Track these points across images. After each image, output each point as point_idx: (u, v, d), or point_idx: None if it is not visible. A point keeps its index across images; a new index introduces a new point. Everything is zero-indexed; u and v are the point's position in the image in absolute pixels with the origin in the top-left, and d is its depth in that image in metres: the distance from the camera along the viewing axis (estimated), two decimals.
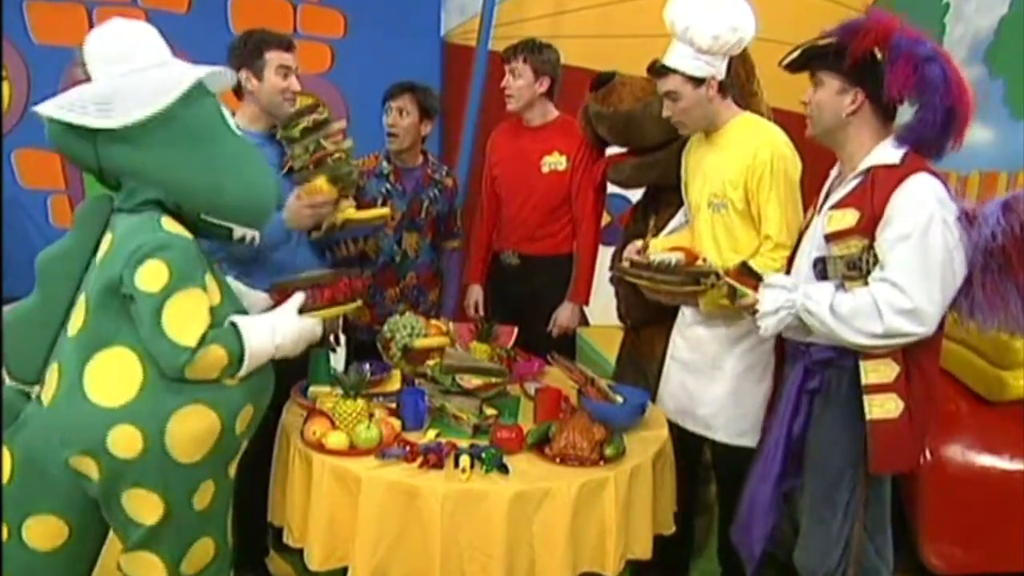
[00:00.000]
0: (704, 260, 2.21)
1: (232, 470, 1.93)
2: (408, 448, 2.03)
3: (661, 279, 2.20)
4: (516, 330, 2.73)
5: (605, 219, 3.15)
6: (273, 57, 2.41)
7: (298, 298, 1.98)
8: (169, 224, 1.79)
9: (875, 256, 1.89)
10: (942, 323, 1.92)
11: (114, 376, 1.75)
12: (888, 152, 1.95)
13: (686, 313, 2.46)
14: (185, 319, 1.73)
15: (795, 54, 2.03)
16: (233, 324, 1.82)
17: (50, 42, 3.52)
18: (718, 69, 2.28)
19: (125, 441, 1.72)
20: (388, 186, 2.92)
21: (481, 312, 3.15)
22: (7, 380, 1.86)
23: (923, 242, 1.84)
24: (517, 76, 2.92)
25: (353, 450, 2.02)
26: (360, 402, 2.11)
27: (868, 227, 1.90)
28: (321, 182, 2.33)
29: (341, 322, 2.49)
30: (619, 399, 2.27)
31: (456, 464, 1.98)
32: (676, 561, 2.65)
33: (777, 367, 2.31)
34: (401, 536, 1.91)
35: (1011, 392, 2.70)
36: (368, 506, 1.91)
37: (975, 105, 1.91)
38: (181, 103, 1.76)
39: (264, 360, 1.88)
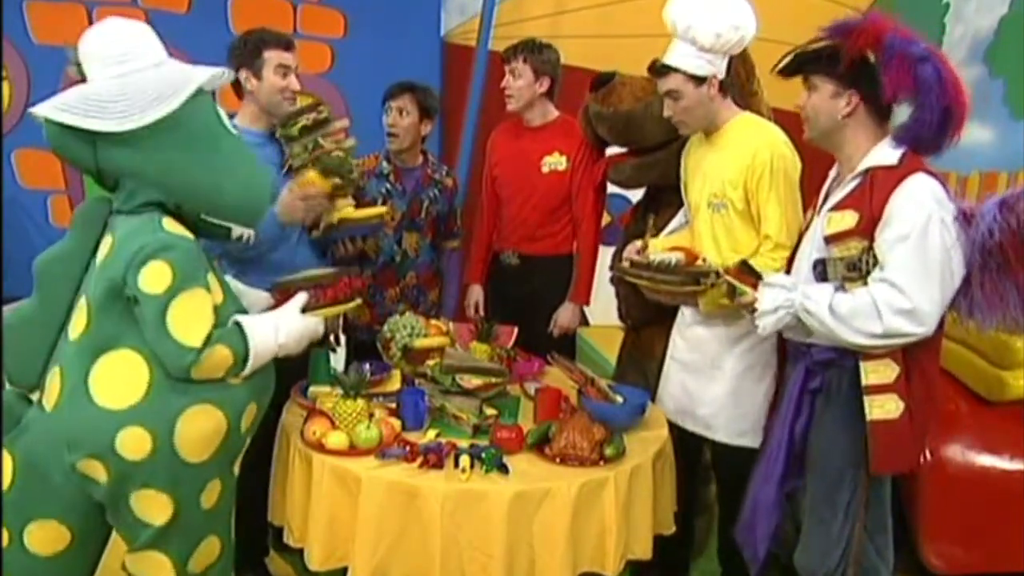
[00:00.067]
0: (704, 260, 2.21)
1: (236, 468, 1.94)
2: (408, 448, 2.03)
3: (661, 279, 2.20)
4: (516, 330, 2.73)
5: (605, 219, 3.15)
6: (272, 56, 2.41)
7: (301, 297, 1.98)
8: (170, 225, 1.79)
9: (875, 257, 1.90)
10: (942, 323, 1.92)
11: (120, 378, 1.75)
12: (886, 153, 1.95)
13: (686, 313, 2.46)
14: (190, 320, 1.73)
15: (787, 59, 2.03)
16: (237, 324, 1.83)
17: (50, 42, 3.52)
18: (719, 68, 2.28)
19: (134, 443, 1.73)
20: (388, 186, 2.92)
21: (481, 312, 3.15)
22: (6, 385, 1.86)
23: (922, 242, 1.84)
24: (517, 76, 2.92)
25: (353, 450, 2.02)
26: (360, 402, 2.11)
27: (867, 228, 1.90)
28: (313, 175, 2.33)
29: (341, 322, 2.49)
30: (619, 399, 2.27)
31: (456, 464, 1.98)
32: (676, 561, 2.65)
33: (779, 368, 2.31)
34: (401, 536, 1.91)
35: (1011, 392, 2.70)
36: (368, 506, 1.91)
37: (971, 102, 1.91)
38: (181, 105, 1.76)
39: (268, 359, 1.88)
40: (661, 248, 2.42)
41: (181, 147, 1.79)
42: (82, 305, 1.80)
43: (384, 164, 2.94)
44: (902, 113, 1.95)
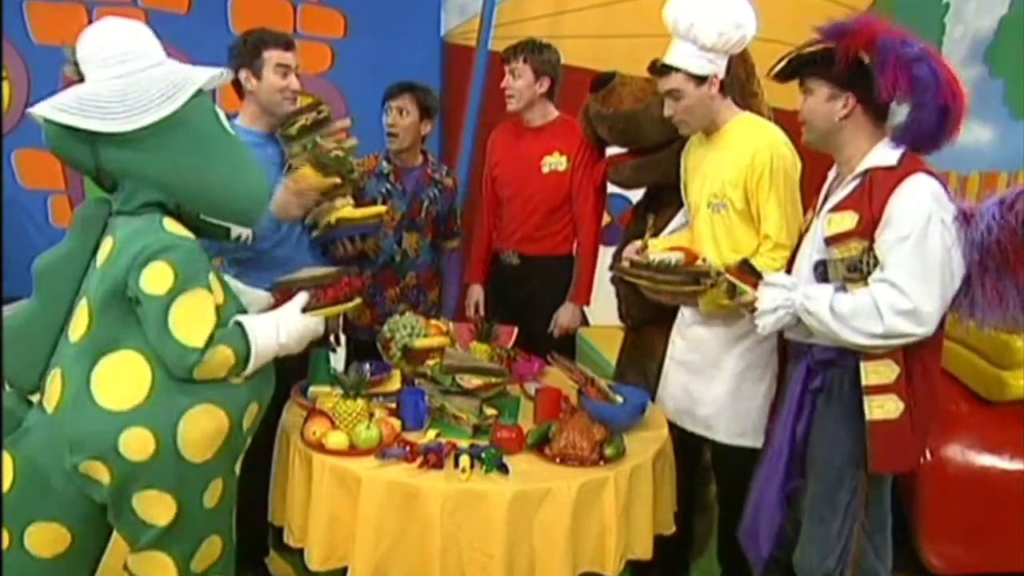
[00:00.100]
0: (703, 260, 2.21)
1: (238, 467, 1.94)
2: (408, 448, 2.03)
3: (661, 279, 2.20)
4: (516, 330, 2.73)
5: (605, 219, 3.15)
6: (272, 56, 2.40)
7: (302, 297, 1.98)
8: (171, 225, 1.79)
9: (875, 258, 1.90)
10: (943, 323, 1.92)
11: (123, 380, 1.75)
12: (885, 154, 1.95)
13: (686, 313, 2.46)
14: (192, 320, 1.74)
15: (783, 63, 2.04)
16: (239, 323, 1.83)
17: (50, 42, 3.52)
18: (720, 67, 2.28)
19: (137, 444, 1.73)
20: (388, 186, 2.92)
21: (481, 312, 3.15)
22: (6, 387, 1.86)
23: (922, 243, 1.84)
24: (517, 76, 2.92)
25: (353, 450, 2.02)
26: (360, 402, 2.11)
27: (867, 229, 1.90)
28: (306, 169, 2.33)
29: (341, 322, 2.49)
30: (619, 399, 2.27)
31: (456, 464, 1.98)
32: (676, 561, 2.65)
33: (779, 368, 2.31)
34: (401, 536, 1.91)
35: (1011, 392, 2.70)
36: (368, 506, 1.91)
37: (971, 102, 1.91)
38: (181, 105, 1.76)
39: (269, 359, 1.88)
40: (661, 248, 2.42)
41: (181, 147, 1.79)
42: (83, 307, 1.79)
43: (384, 164, 2.94)
44: (901, 114, 1.95)
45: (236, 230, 1.94)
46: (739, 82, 2.46)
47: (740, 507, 2.27)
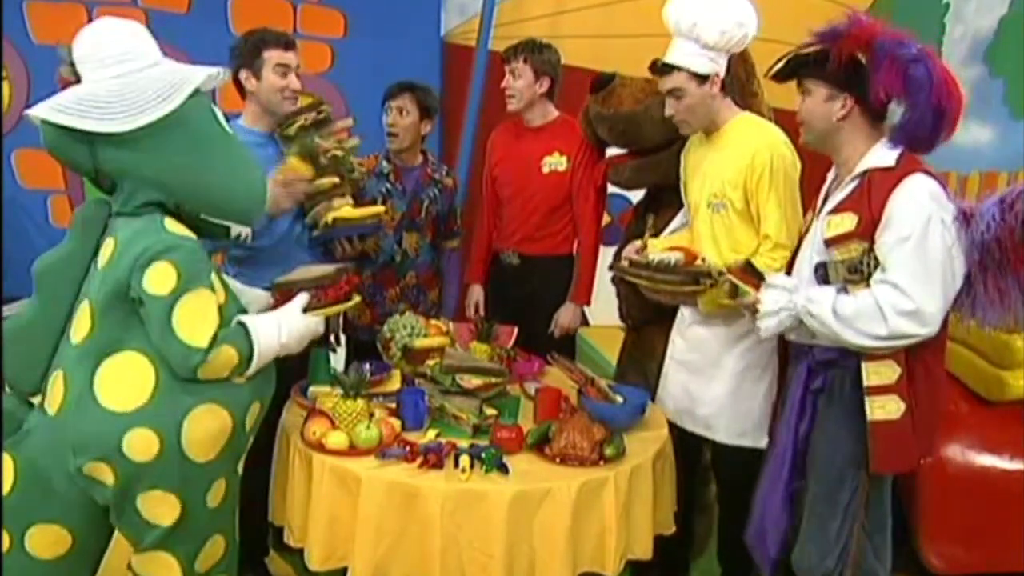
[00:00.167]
0: (703, 260, 2.21)
1: (240, 467, 1.94)
2: (408, 448, 2.03)
3: (660, 279, 2.20)
4: (516, 330, 2.73)
5: (605, 219, 3.15)
6: (272, 56, 2.40)
7: (303, 297, 1.98)
8: (172, 225, 1.79)
9: (876, 259, 1.90)
10: (945, 323, 1.92)
11: (126, 381, 1.75)
12: (883, 154, 1.95)
13: (685, 313, 2.46)
14: (196, 320, 1.74)
15: (780, 64, 2.04)
16: (241, 323, 1.83)
17: (50, 42, 3.48)
18: (721, 66, 2.29)
19: (141, 444, 1.73)
20: (388, 186, 2.92)
21: (481, 312, 3.15)
22: (7, 389, 1.86)
23: (922, 243, 1.84)
24: (517, 76, 2.92)
25: (353, 450, 2.02)
26: (360, 402, 2.11)
27: (867, 230, 1.90)
28: (293, 160, 2.32)
29: (341, 321, 2.49)
30: (619, 399, 2.27)
31: (456, 464, 1.98)
32: (676, 561, 2.65)
33: (780, 368, 2.31)
34: (401, 536, 1.91)
35: (1011, 392, 2.70)
36: (368, 506, 1.91)
37: (971, 102, 1.91)
38: (179, 104, 1.76)
39: (270, 358, 1.88)
40: (661, 248, 2.42)
41: (179, 147, 1.79)
42: (84, 308, 1.79)
43: (384, 164, 2.94)
44: (897, 114, 1.95)
45: (236, 229, 1.94)
46: (739, 82, 2.47)
47: (740, 507, 2.27)
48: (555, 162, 2.98)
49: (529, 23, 3.99)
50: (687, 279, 2.14)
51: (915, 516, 2.59)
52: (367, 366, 2.39)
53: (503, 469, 1.97)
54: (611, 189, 3.04)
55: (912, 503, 2.57)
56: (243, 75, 2.41)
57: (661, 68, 2.32)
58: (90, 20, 3.40)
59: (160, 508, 1.78)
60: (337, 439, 2.03)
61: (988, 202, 1.86)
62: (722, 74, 2.29)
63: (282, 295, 2.04)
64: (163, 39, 1.89)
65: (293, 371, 2.25)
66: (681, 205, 2.58)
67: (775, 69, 2.06)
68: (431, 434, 2.14)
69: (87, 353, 1.76)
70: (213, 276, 1.82)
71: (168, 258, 1.72)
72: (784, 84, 2.09)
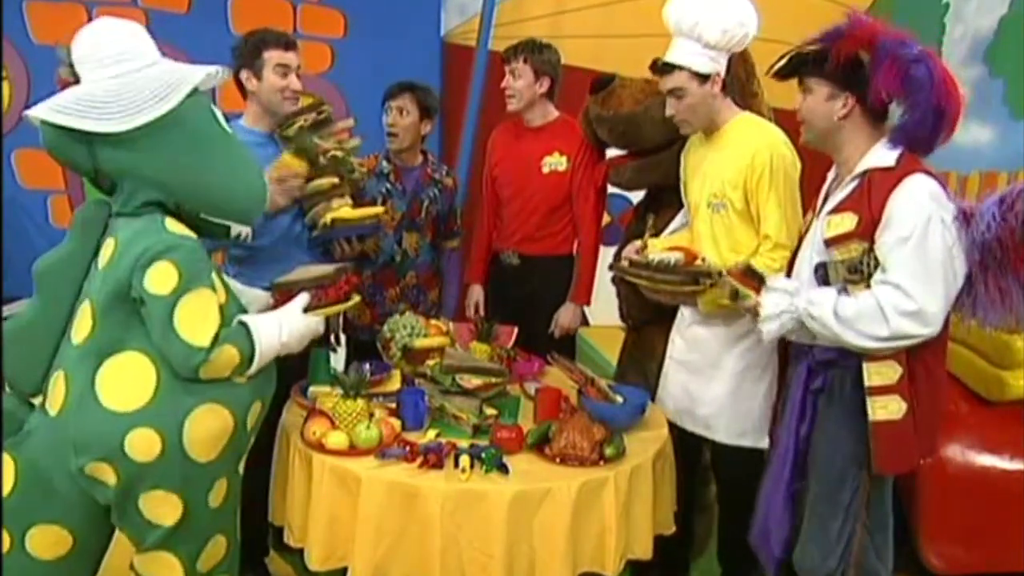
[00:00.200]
0: (703, 260, 2.21)
1: (241, 466, 1.95)
2: (408, 448, 2.03)
3: (660, 279, 2.20)
4: (516, 330, 2.73)
5: (605, 219, 3.15)
6: (272, 56, 2.40)
7: (303, 297, 1.99)
8: (173, 225, 1.79)
9: (876, 259, 1.89)
10: (947, 323, 1.92)
11: (127, 381, 1.75)
12: (883, 154, 1.95)
13: (685, 313, 2.46)
14: (197, 319, 1.74)
15: (782, 62, 2.04)
16: (242, 323, 1.83)
17: (50, 42, 3.50)
18: (722, 66, 2.29)
19: (143, 444, 1.73)
20: (388, 186, 2.92)
21: (481, 312, 3.14)
22: (7, 390, 1.86)
23: (923, 243, 1.84)
24: (517, 76, 2.92)
25: (353, 450, 2.02)
26: (360, 402, 2.11)
27: (867, 230, 1.90)
28: (286, 157, 2.32)
29: (341, 321, 2.49)
30: (619, 399, 2.27)
31: (456, 464, 1.98)
32: (676, 561, 2.65)
33: (780, 369, 2.31)
34: (401, 536, 1.91)
35: (1011, 392, 2.70)
36: (368, 506, 1.91)
37: (971, 102, 1.92)
38: (177, 104, 1.76)
39: (271, 358, 1.89)
40: (661, 248, 2.43)
41: (177, 147, 1.79)
42: (85, 309, 1.79)
43: (384, 164, 2.94)
44: (897, 114, 1.95)
45: (236, 228, 1.94)
46: (739, 82, 2.46)
47: (740, 507, 2.27)
48: (555, 162, 2.98)
49: (529, 23, 4.00)
50: (687, 279, 2.14)
51: (915, 516, 2.59)
52: (367, 366, 2.39)
53: (503, 469, 1.97)
54: (611, 189, 3.04)
55: (912, 503, 2.57)
56: (244, 75, 2.41)
57: (662, 67, 2.32)
58: (90, 20, 3.38)
59: (162, 508, 1.78)
60: (337, 439, 2.03)
61: (988, 202, 1.85)
62: (723, 74, 2.30)
63: (282, 295, 2.04)
64: (163, 39, 1.89)
65: (293, 371, 2.25)
66: (681, 205, 2.58)
67: (777, 67, 2.06)
68: (431, 434, 2.14)
69: (88, 353, 1.76)
70: (214, 276, 1.82)
71: (169, 258, 1.72)
72: (784, 84, 2.09)
